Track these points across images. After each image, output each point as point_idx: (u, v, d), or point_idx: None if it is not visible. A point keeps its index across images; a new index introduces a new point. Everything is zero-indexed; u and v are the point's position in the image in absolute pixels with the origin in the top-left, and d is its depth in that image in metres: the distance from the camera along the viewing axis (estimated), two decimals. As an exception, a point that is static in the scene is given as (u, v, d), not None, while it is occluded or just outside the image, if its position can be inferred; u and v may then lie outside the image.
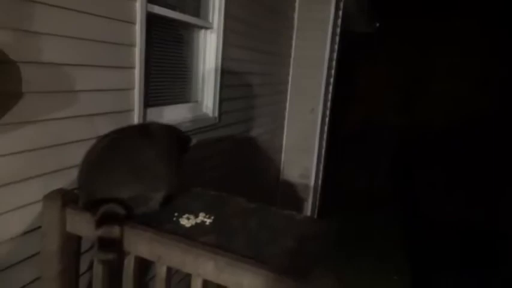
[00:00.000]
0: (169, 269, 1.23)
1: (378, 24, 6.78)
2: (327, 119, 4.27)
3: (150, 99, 2.07)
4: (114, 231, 1.21)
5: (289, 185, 4.21)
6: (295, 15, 4.00)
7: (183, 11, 2.28)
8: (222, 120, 2.71)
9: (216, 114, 2.64)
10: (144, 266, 1.51)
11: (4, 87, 1.20)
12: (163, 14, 2.04)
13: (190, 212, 1.38)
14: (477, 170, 6.16)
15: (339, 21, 4.04)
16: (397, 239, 4.45)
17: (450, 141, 6.47)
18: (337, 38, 4.11)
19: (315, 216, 4.23)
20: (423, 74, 7.05)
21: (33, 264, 1.39)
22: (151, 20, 1.93)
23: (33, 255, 1.39)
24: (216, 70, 2.56)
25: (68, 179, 1.48)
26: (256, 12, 3.10)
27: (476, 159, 6.25)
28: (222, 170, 2.85)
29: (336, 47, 4.14)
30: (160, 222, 1.30)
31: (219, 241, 1.22)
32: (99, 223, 1.21)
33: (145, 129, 1.47)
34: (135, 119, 1.85)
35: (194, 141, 1.55)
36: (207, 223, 1.34)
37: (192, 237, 1.22)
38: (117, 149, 1.33)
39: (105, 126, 1.52)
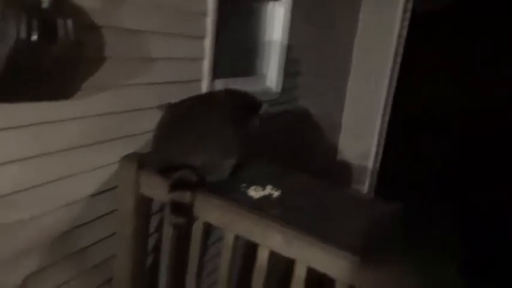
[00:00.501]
0: (236, 237, 1.25)
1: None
2: (390, 100, 4.08)
3: (217, 71, 2.08)
4: (186, 196, 1.24)
5: (346, 166, 4.12)
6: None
7: (253, -19, 2.24)
8: (284, 95, 2.68)
9: (279, 89, 2.61)
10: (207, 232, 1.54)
11: (90, 51, 1.24)
12: (235, -17, 2.01)
13: (257, 184, 1.38)
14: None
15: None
16: (458, 231, 4.23)
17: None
18: (408, 15, 3.86)
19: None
20: (496, 54, 6.48)
21: (107, 222, 1.47)
22: (223, -10, 1.91)
23: (107, 214, 1.47)
24: (281, 44, 2.51)
25: (140, 144, 1.53)
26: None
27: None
28: (280, 146, 2.84)
29: (406, 23, 3.89)
30: (229, 191, 1.31)
31: (285, 215, 1.21)
32: (173, 188, 1.25)
33: (215, 98, 1.48)
34: (203, 89, 1.87)
35: (265, 106, 1.52)
36: (274, 196, 1.34)
37: (260, 208, 1.22)
38: (189, 117, 1.35)
39: (175, 95, 1.55)
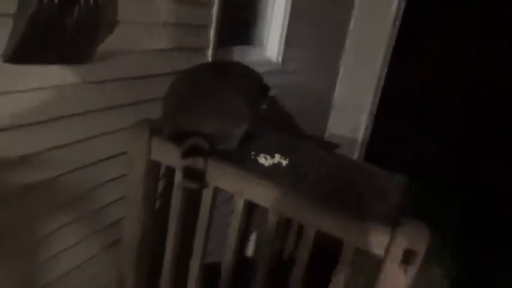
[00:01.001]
0: (246, 203, 1.31)
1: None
2: (384, 76, 4.11)
3: (222, 39, 2.07)
4: (200, 162, 1.27)
5: (336, 139, 4.19)
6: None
7: None
8: (283, 67, 2.68)
9: (280, 59, 2.61)
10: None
11: (105, 14, 1.23)
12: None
13: (266, 153, 1.42)
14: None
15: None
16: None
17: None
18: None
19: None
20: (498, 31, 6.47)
21: (118, 186, 1.50)
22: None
23: (118, 177, 1.50)
24: (284, 14, 2.50)
25: (151, 111, 1.54)
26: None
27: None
28: (275, 117, 2.87)
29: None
30: (240, 159, 1.35)
31: (296, 182, 1.27)
32: (186, 154, 1.28)
33: (228, 68, 1.49)
34: (209, 57, 1.87)
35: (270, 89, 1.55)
36: (284, 164, 1.38)
37: (272, 176, 1.27)
38: (201, 85, 1.37)
39: (182, 62, 1.56)
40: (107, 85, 1.36)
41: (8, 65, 1.01)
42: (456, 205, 4.43)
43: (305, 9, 2.73)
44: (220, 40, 2.04)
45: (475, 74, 6.86)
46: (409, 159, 4.76)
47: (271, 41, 2.56)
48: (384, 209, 1.22)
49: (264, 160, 1.37)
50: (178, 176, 1.36)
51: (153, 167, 1.43)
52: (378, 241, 1.07)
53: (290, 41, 2.64)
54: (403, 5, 3.84)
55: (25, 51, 1.01)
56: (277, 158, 1.40)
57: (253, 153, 1.42)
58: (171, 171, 1.52)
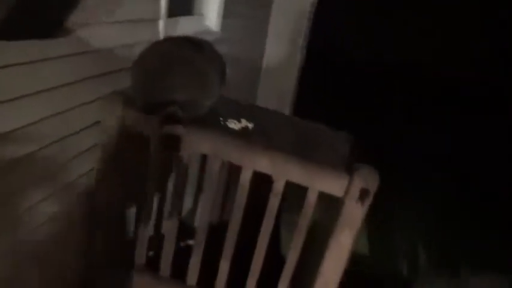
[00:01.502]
0: (221, 163, 1.47)
1: None
2: (307, 39, 4.36)
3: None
4: (178, 130, 1.38)
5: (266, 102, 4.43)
6: None
7: None
8: (223, 35, 2.79)
9: (219, 29, 2.71)
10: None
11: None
12: None
13: (232, 118, 1.58)
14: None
15: None
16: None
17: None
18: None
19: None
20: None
21: (91, 156, 1.55)
22: None
23: (91, 147, 1.54)
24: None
25: (117, 82, 1.58)
26: None
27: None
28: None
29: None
30: (212, 125, 1.49)
31: (266, 141, 1.46)
32: (164, 122, 1.38)
33: (202, 45, 1.56)
34: (161, 28, 1.92)
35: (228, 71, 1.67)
36: (250, 127, 1.56)
37: (244, 137, 1.44)
38: (179, 57, 1.45)
39: (140, 34, 1.61)
40: (77, 58, 1.38)
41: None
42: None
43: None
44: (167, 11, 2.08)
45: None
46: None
47: (211, 10, 2.64)
48: (338, 158, 1.47)
49: (234, 125, 1.53)
50: (154, 144, 1.46)
51: (129, 136, 1.50)
52: (339, 184, 1.32)
53: (227, 10, 2.75)
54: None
55: (12, 27, 1.02)
56: (244, 122, 1.57)
57: (221, 119, 1.56)
58: (145, 139, 1.60)
